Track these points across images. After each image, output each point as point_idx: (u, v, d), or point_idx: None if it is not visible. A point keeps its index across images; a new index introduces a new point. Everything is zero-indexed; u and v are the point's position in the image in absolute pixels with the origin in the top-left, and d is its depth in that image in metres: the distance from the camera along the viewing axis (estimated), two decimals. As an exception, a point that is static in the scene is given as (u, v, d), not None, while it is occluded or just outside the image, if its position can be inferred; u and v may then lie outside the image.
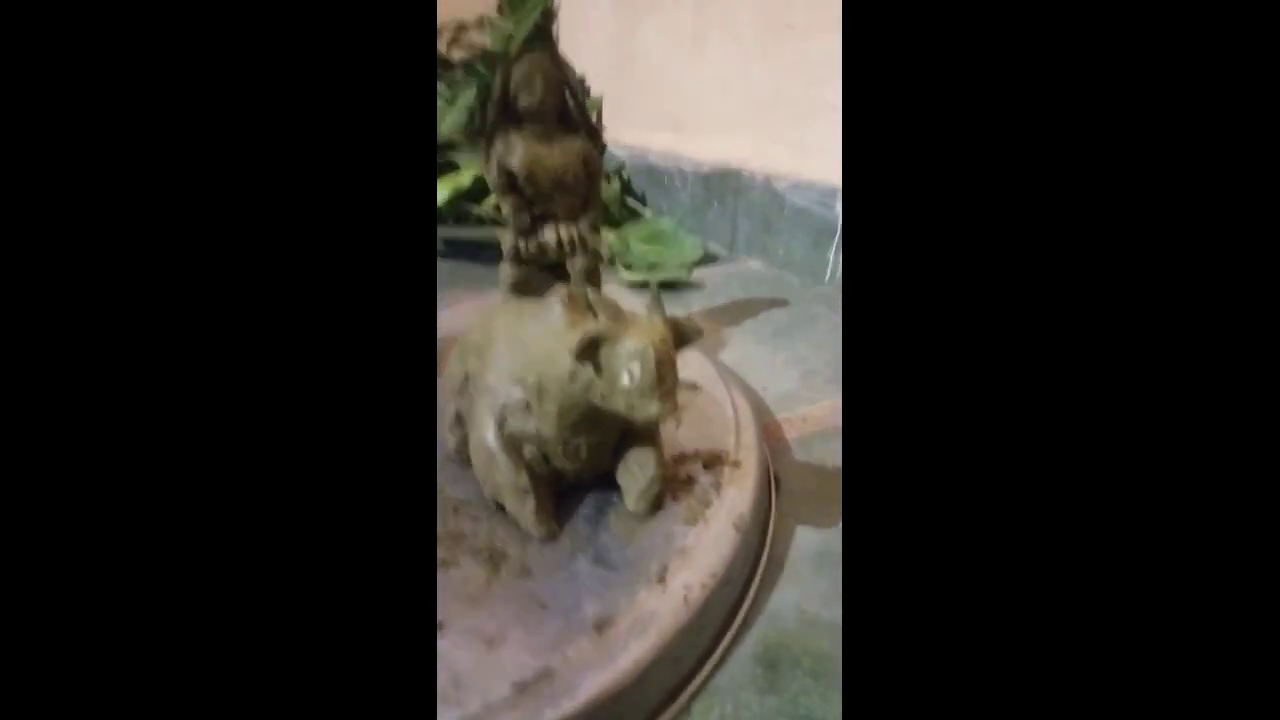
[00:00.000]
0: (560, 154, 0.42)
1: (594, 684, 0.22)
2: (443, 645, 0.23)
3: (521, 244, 0.43)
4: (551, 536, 0.28)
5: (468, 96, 1.07)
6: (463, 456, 0.32)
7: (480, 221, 0.87)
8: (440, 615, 0.24)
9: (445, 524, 0.29)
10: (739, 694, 0.26)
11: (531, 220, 0.43)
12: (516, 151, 0.41)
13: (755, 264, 0.81)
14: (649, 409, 0.25)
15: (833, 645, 0.28)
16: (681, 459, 0.34)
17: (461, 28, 1.12)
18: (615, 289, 0.48)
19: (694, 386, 0.42)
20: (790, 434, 0.44)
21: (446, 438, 0.33)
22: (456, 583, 0.26)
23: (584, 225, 0.44)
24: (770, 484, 0.37)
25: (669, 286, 0.71)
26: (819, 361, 0.55)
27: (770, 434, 0.43)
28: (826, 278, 0.72)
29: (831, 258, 0.71)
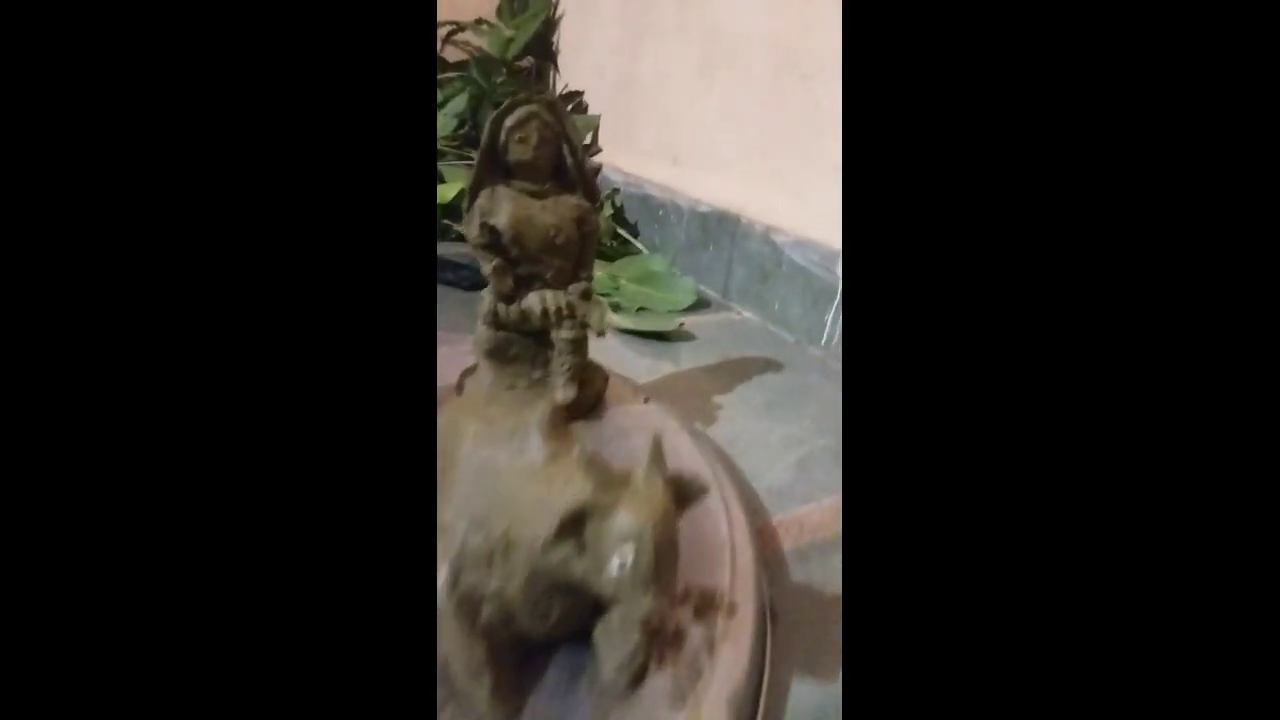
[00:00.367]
0: (553, 213, 0.37)
1: None
2: None
3: (501, 309, 0.38)
4: None
5: (458, 102, 1.01)
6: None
7: (462, 239, 0.81)
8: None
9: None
10: None
11: (515, 283, 0.38)
12: (503, 208, 0.35)
13: (749, 315, 0.76)
14: (641, 605, 0.19)
15: None
16: (670, 603, 0.29)
17: (456, 28, 1.06)
18: (603, 342, 0.42)
19: (703, 489, 0.37)
20: (786, 543, 0.39)
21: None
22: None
23: (574, 293, 0.38)
24: (766, 625, 0.32)
25: (659, 337, 0.66)
26: (816, 445, 0.50)
27: (765, 542, 0.39)
28: (824, 340, 0.68)
29: (829, 320, 0.67)
